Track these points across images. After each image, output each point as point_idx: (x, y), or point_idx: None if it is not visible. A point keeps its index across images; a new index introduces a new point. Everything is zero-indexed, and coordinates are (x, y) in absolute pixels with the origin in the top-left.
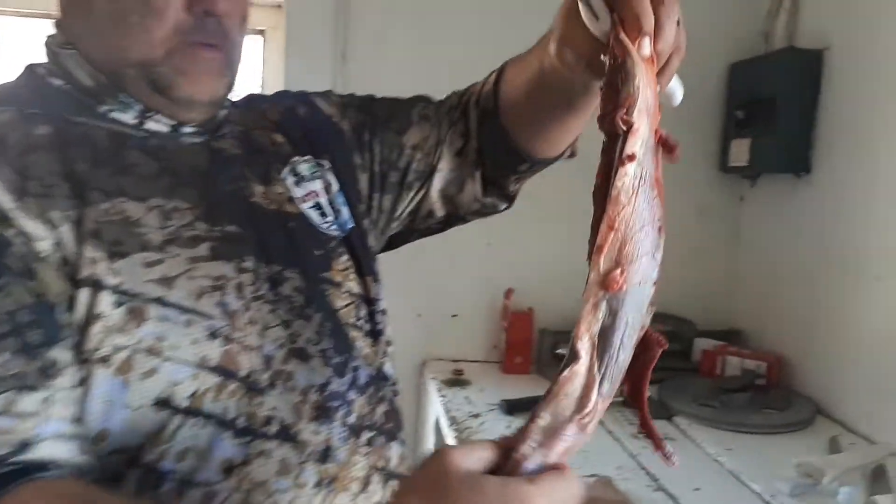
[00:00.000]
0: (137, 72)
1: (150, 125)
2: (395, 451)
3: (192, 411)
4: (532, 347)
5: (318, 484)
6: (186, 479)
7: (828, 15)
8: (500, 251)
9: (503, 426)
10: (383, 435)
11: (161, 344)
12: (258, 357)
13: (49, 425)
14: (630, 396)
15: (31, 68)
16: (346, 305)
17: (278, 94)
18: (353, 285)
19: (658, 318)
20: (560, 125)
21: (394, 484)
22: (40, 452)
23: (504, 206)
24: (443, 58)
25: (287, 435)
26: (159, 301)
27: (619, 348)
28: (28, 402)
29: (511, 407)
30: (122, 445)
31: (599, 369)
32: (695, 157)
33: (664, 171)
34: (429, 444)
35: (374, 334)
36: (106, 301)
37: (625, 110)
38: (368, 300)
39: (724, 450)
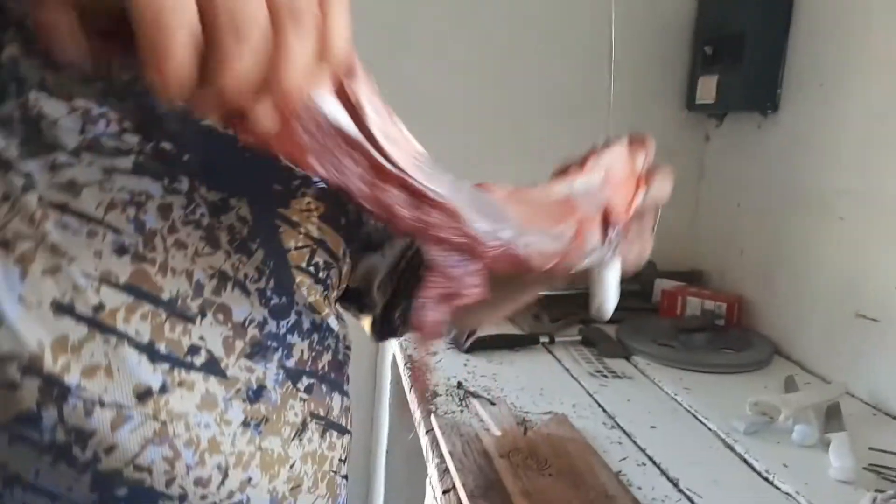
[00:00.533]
0: None
1: None
2: (336, 402)
3: (99, 325)
4: None
5: (246, 423)
6: (94, 399)
7: None
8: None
9: (460, 364)
10: (325, 384)
11: (63, 248)
12: (186, 282)
13: None
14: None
15: None
16: (300, 247)
17: None
18: (312, 229)
19: None
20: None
21: (333, 433)
22: None
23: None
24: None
25: (214, 368)
26: (62, 207)
27: None
28: None
29: (469, 345)
30: (12, 350)
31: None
32: (662, 94)
33: (630, 109)
34: (385, 386)
35: (325, 285)
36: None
37: None
38: (330, 251)
39: (681, 388)
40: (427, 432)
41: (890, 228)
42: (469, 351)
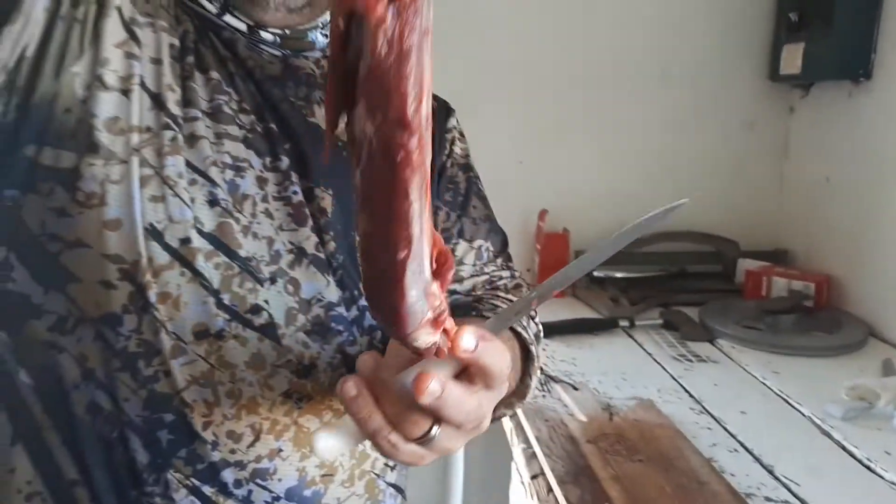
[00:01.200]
0: None
1: (229, 18)
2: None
3: (180, 258)
4: None
5: (288, 394)
6: (163, 322)
7: None
8: (532, 171)
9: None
10: None
11: (170, 183)
12: (265, 248)
13: None
14: None
15: None
16: None
17: None
18: None
19: (700, 237)
20: None
21: None
22: None
23: None
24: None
25: (271, 333)
26: (177, 151)
27: None
28: None
29: (547, 329)
30: (117, 253)
31: None
32: (742, 65)
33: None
34: None
35: None
36: (154, 118)
37: None
38: None
39: (770, 372)
40: (511, 417)
41: None
42: (546, 335)
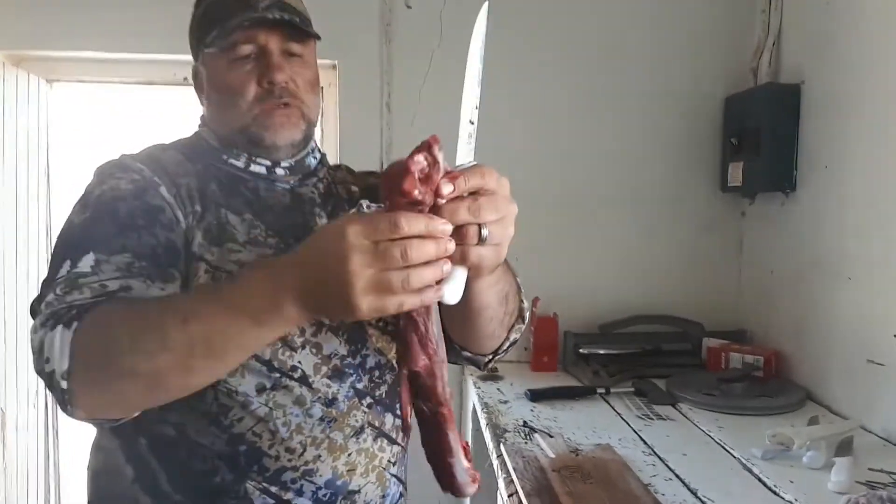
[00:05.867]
0: (240, 134)
1: (253, 167)
2: (388, 420)
3: None
4: (557, 348)
5: (322, 419)
6: (233, 389)
7: (804, 52)
8: (526, 264)
9: (528, 410)
10: (380, 405)
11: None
12: (296, 327)
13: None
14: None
15: (198, 132)
16: None
17: (369, 171)
18: None
19: (671, 320)
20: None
21: (384, 440)
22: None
23: None
24: None
25: (305, 381)
26: (230, 274)
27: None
28: (152, 289)
29: (535, 395)
30: None
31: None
32: (698, 178)
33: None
34: (468, 426)
35: (392, 335)
36: (202, 269)
37: None
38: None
39: (716, 427)
40: (497, 457)
41: (886, 284)
42: (534, 400)
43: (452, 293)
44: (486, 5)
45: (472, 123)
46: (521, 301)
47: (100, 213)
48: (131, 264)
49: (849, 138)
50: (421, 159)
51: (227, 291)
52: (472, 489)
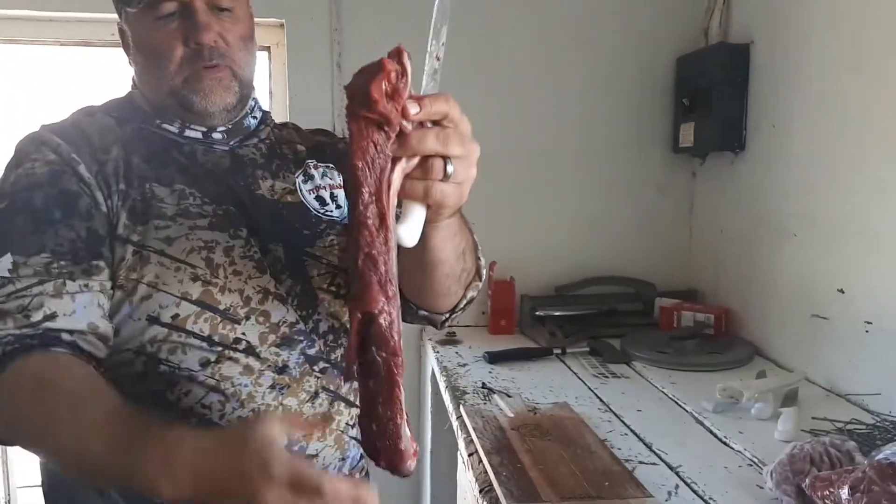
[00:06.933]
0: (170, 97)
1: (188, 133)
2: (345, 383)
3: (174, 327)
4: (515, 311)
5: (273, 386)
6: (175, 366)
7: (754, 13)
8: (482, 229)
9: (486, 372)
10: (336, 369)
11: (157, 280)
12: (238, 297)
13: (85, 306)
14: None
15: (130, 93)
16: (322, 274)
17: (318, 129)
18: (334, 259)
19: (624, 281)
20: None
21: (340, 403)
22: (72, 323)
23: None
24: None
25: (252, 352)
26: (160, 253)
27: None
28: (72, 285)
29: (493, 357)
30: (131, 344)
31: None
32: (651, 139)
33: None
34: (427, 390)
35: (345, 299)
36: (129, 251)
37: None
38: (347, 272)
39: (669, 383)
40: (457, 418)
41: (830, 241)
42: (492, 362)
43: (410, 234)
44: None
45: (439, 60)
46: (479, 259)
47: (15, 204)
48: (50, 264)
49: (796, 98)
50: (394, 64)
51: (142, 446)
52: (412, 464)
